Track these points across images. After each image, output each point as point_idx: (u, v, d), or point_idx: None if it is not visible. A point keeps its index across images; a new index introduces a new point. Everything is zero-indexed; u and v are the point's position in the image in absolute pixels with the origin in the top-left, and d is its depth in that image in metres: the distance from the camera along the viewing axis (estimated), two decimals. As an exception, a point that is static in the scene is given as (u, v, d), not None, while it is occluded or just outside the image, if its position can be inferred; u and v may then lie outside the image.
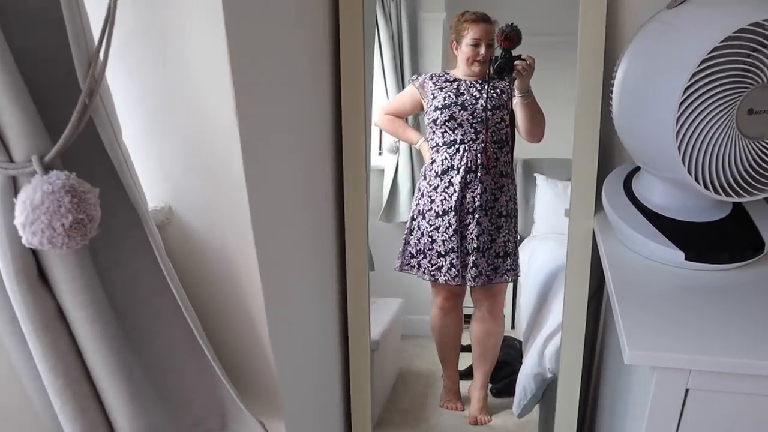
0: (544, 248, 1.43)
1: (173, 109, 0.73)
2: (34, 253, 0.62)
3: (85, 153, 0.63)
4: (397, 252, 1.42)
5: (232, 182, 0.76)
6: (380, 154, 1.45)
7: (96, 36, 0.59)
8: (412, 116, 1.39)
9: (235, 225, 0.79)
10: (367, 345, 1.33)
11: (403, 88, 1.38)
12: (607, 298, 1.24)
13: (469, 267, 1.35)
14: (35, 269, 0.62)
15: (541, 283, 1.42)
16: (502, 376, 1.53)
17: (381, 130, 1.43)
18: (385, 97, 1.38)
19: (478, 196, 1.31)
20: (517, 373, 1.43)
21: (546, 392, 1.40)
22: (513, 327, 1.57)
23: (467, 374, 1.53)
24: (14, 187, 0.58)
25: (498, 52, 1.22)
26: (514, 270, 1.40)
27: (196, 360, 0.81)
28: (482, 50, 1.26)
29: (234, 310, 0.85)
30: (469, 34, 1.26)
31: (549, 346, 1.36)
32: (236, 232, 0.80)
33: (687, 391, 0.75)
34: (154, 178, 0.78)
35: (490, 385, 1.54)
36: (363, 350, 1.33)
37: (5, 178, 0.58)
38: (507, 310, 1.55)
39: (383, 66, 1.36)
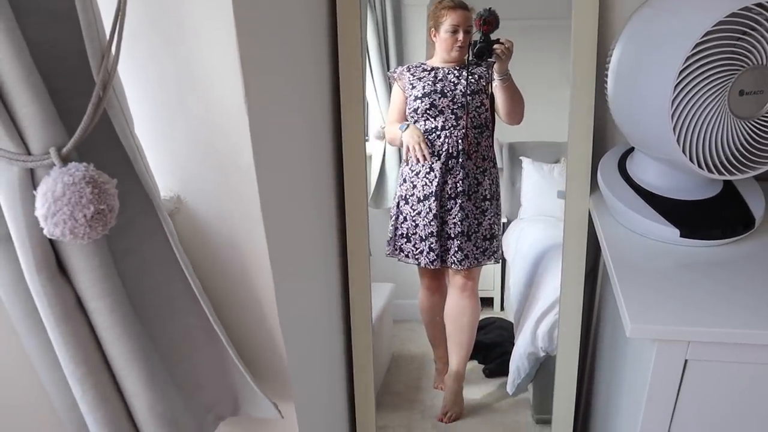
0: (532, 230, 1.45)
1: (183, 100, 0.74)
2: (53, 243, 0.62)
3: (99, 144, 0.64)
4: (386, 237, 1.44)
5: (242, 171, 0.77)
6: (367, 140, 1.45)
7: (107, 28, 0.60)
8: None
9: (245, 214, 0.80)
10: (368, 327, 1.35)
11: (389, 77, 1.39)
12: (602, 277, 1.27)
13: (452, 251, 1.37)
14: (54, 260, 0.63)
15: (531, 264, 1.44)
16: (494, 356, 1.56)
17: (365, 117, 1.42)
18: (372, 87, 1.38)
19: (460, 182, 1.33)
20: (509, 353, 1.46)
21: (539, 371, 1.44)
22: (502, 309, 1.60)
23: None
24: (32, 179, 0.59)
25: (477, 36, 1.24)
26: (499, 252, 1.42)
27: (208, 346, 0.82)
28: (460, 36, 1.28)
29: (244, 298, 0.86)
30: (447, 21, 1.28)
31: (541, 325, 1.38)
32: (246, 220, 0.81)
33: (686, 362, 0.78)
34: (163, 168, 0.79)
35: (482, 367, 1.57)
36: (365, 332, 1.35)
37: (23, 171, 0.58)
38: (496, 293, 1.58)
39: (369, 57, 1.36)
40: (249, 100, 0.72)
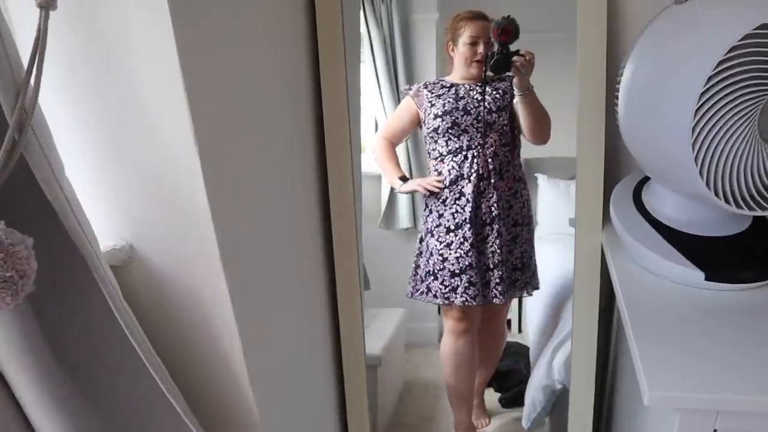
0: (548, 251, 1.37)
1: (127, 138, 0.66)
2: (-34, 312, 0.54)
3: (19, 195, 0.56)
4: (397, 259, 1.36)
5: (197, 214, 0.69)
6: (376, 160, 1.38)
7: (26, 61, 0.52)
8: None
9: (203, 258, 0.72)
10: (362, 368, 1.26)
11: (398, 94, 1.31)
12: (618, 314, 1.16)
13: (492, 284, 1.26)
14: (-34, 332, 0.54)
15: (548, 290, 1.36)
16: (511, 385, 1.49)
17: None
18: (380, 104, 1.31)
19: (494, 205, 1.22)
20: (525, 382, 1.38)
21: (556, 404, 1.35)
22: (520, 331, 1.52)
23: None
24: (-67, 241, 0.50)
25: (494, 47, 1.13)
26: (531, 282, 1.32)
27: (168, 413, 0.73)
28: (480, 49, 1.18)
29: (208, 351, 0.79)
30: (466, 33, 1.19)
31: (557, 356, 1.30)
32: (205, 266, 0.73)
33: (715, 432, 0.67)
34: (111, 215, 0.71)
35: (498, 395, 1.50)
36: (358, 374, 1.26)
37: (-77, 231, 0.50)
38: (514, 314, 1.50)
39: (377, 72, 1.30)
40: (199, 137, 0.64)
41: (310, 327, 1.11)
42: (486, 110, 1.19)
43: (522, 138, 1.23)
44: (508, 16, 1.11)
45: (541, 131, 1.19)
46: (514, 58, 1.12)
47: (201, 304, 0.75)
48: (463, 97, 1.21)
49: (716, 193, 0.75)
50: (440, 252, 1.26)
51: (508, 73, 1.15)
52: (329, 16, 1.04)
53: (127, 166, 0.67)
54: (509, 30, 1.11)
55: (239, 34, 0.78)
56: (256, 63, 0.84)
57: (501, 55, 1.12)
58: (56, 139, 0.57)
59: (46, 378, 0.58)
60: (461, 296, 1.26)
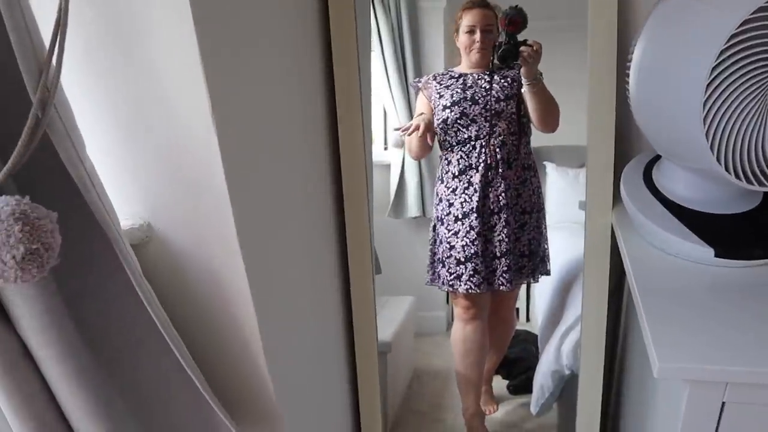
0: (557, 239, 1.36)
1: (145, 117, 0.67)
2: (-7, 288, 0.56)
3: (44, 172, 0.57)
4: (406, 247, 1.36)
5: (214, 193, 0.70)
6: (386, 149, 1.39)
7: (47, 41, 0.53)
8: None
9: (221, 238, 0.73)
10: (374, 351, 1.27)
11: (407, 83, 1.31)
12: (628, 294, 1.16)
13: (499, 272, 1.27)
14: (-6, 305, 0.56)
15: (556, 277, 1.35)
16: (519, 371, 1.49)
17: (385, 124, 1.37)
18: (389, 94, 1.30)
19: (503, 194, 1.22)
20: (533, 369, 1.38)
21: (564, 389, 1.35)
22: (528, 320, 1.51)
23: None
24: (-39, 216, 0.52)
25: (502, 37, 1.13)
26: (539, 269, 1.32)
27: (187, 389, 0.75)
28: (477, 36, 1.18)
29: (225, 328, 0.79)
30: (464, 21, 1.19)
31: (566, 341, 1.30)
32: (222, 245, 0.74)
33: (723, 404, 0.68)
34: (130, 194, 0.72)
35: (506, 382, 1.50)
36: (370, 357, 1.27)
37: (-48, 207, 0.51)
38: (522, 303, 1.49)
39: (385, 61, 1.29)
40: (217, 115, 0.65)
41: (323, 310, 1.12)
42: (494, 99, 1.19)
43: (531, 126, 1.23)
44: (516, 6, 1.10)
45: (550, 119, 1.19)
46: (522, 48, 1.12)
47: (218, 283, 0.76)
48: (470, 87, 1.20)
49: (727, 169, 0.75)
50: (448, 240, 1.27)
51: (515, 62, 1.15)
52: (342, 6, 1.04)
53: (145, 146, 0.68)
54: (517, 21, 1.10)
55: (256, 20, 0.79)
56: (271, 49, 0.85)
57: (508, 45, 1.12)
58: (77, 118, 0.58)
59: (69, 353, 0.59)
60: (465, 284, 1.27)
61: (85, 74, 0.64)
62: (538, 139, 1.28)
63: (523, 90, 1.18)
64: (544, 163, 1.36)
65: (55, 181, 0.59)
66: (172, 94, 0.65)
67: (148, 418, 0.71)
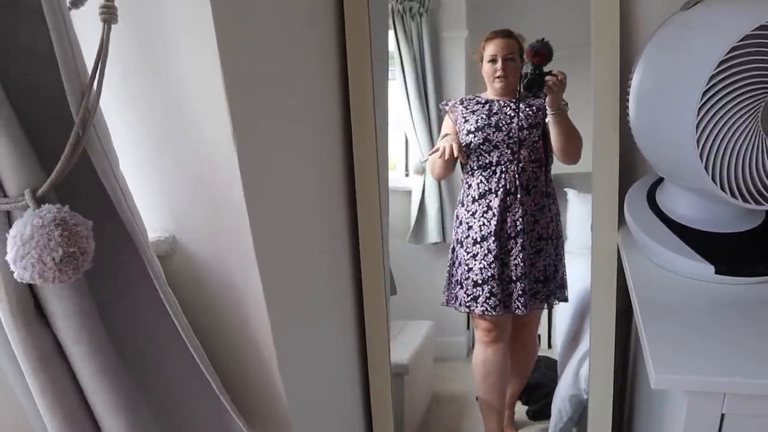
0: (577, 265, 1.36)
1: (172, 138, 0.72)
2: (32, 288, 0.61)
3: (82, 184, 0.63)
4: (426, 272, 1.38)
5: (234, 210, 0.74)
6: (407, 175, 1.42)
7: (89, 66, 0.59)
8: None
9: (239, 253, 0.77)
10: (387, 370, 1.29)
11: (428, 110, 1.34)
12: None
13: (515, 295, 1.29)
14: (32, 304, 0.61)
15: (575, 302, 1.36)
16: (538, 397, 1.48)
17: (406, 151, 1.40)
18: (410, 121, 1.34)
19: (520, 220, 1.25)
20: (552, 394, 1.38)
21: (583, 414, 1.33)
22: (550, 346, 1.50)
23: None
24: (8, 222, 0.58)
25: (528, 68, 1.18)
26: (555, 294, 1.33)
27: (204, 393, 0.79)
28: (499, 65, 1.23)
29: (242, 339, 0.83)
30: (487, 51, 1.23)
31: (584, 366, 1.29)
32: (240, 260, 0.78)
33: (723, 416, 0.69)
34: (158, 208, 0.77)
35: (525, 408, 1.48)
36: (383, 376, 1.28)
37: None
38: (543, 330, 1.49)
39: (407, 89, 1.32)
40: (238, 138, 0.70)
41: (337, 328, 1.15)
42: (518, 127, 1.22)
43: (554, 155, 1.26)
44: (542, 39, 1.16)
45: (571, 150, 1.21)
46: (547, 78, 1.16)
47: (236, 295, 0.80)
48: (496, 113, 1.24)
49: (722, 188, 0.77)
50: (466, 262, 1.29)
51: (540, 92, 1.19)
52: (358, 35, 1.10)
53: (172, 164, 0.74)
54: (543, 53, 1.16)
55: (276, 50, 0.84)
56: (290, 77, 0.90)
57: (534, 75, 1.17)
58: (112, 137, 0.64)
59: (97, 351, 0.63)
60: (482, 305, 1.29)
61: (121, 98, 0.71)
62: (559, 166, 1.29)
63: (547, 119, 1.22)
64: (565, 189, 1.37)
65: (92, 193, 0.64)
66: (198, 119, 0.70)
67: (167, 416, 0.75)
